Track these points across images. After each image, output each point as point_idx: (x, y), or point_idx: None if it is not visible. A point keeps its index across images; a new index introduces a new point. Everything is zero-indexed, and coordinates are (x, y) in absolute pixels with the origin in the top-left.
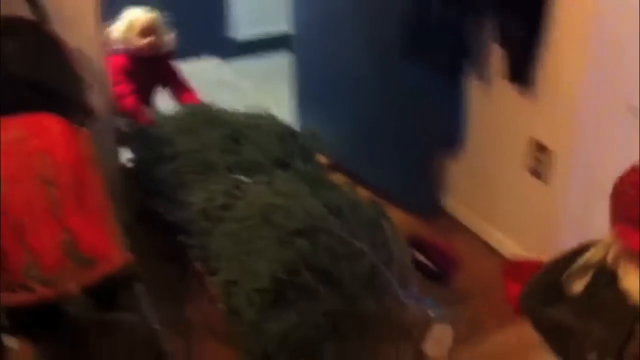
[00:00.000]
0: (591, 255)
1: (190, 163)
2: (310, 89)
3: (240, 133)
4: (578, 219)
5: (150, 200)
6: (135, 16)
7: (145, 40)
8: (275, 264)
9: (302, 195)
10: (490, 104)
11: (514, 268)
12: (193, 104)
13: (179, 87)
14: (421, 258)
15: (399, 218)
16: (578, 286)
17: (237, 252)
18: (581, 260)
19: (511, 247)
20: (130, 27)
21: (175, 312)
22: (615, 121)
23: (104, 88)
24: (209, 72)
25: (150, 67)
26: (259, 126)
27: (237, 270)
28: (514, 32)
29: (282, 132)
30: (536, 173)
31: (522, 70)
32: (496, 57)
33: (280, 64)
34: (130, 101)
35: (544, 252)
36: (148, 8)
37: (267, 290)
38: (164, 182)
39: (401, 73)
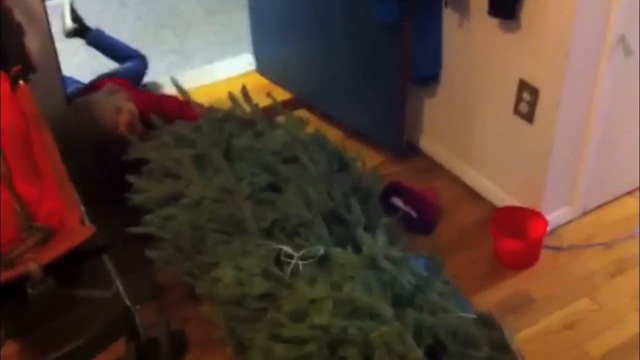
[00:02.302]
0: None
1: (212, 216)
2: (266, 16)
3: (276, 173)
4: (567, 161)
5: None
6: None
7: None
8: None
9: (384, 312)
10: (471, 38)
11: (502, 217)
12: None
13: None
14: (402, 205)
15: (370, 157)
16: None
17: None
18: None
19: (495, 190)
20: None
21: (145, 284)
22: (606, 57)
23: (44, 33)
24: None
25: None
26: (298, 159)
27: None
28: None
29: (330, 165)
30: (521, 113)
31: (505, 3)
32: None
33: None
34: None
35: (531, 197)
36: None
37: None
38: (176, 232)
39: (370, 3)
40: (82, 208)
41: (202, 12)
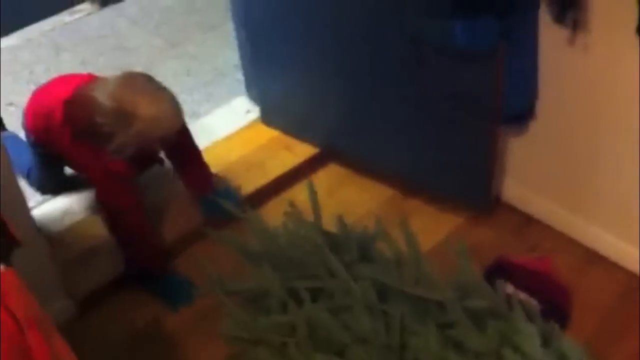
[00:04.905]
0: None
1: None
2: (267, 38)
3: None
4: None
5: None
6: (148, 122)
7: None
8: None
9: None
10: (590, 59)
11: None
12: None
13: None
14: (518, 294)
15: (444, 220)
16: None
17: None
18: None
19: (633, 253)
20: (143, 138)
21: None
22: None
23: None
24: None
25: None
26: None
27: None
28: None
29: None
30: None
31: None
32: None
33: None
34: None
35: None
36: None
37: None
38: None
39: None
40: None
41: (163, 44)
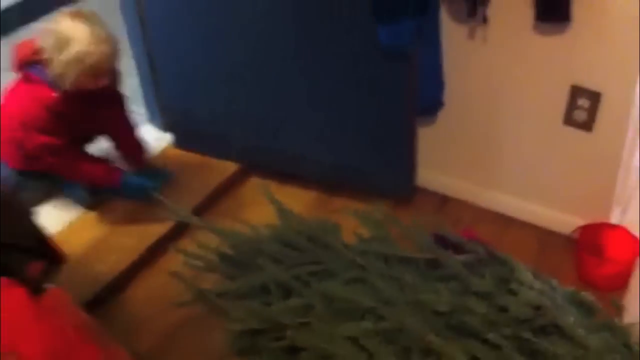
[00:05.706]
0: None
1: None
2: (170, 59)
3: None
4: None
5: None
6: (83, 46)
7: (96, 82)
8: None
9: None
10: (490, 48)
11: (585, 239)
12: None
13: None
14: None
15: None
16: None
17: None
18: None
19: (542, 212)
20: (78, 64)
21: None
22: None
23: None
24: None
25: (90, 108)
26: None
27: None
28: None
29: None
30: (576, 122)
31: (557, 4)
32: None
33: None
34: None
35: (594, 211)
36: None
37: None
38: None
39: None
40: None
41: None
